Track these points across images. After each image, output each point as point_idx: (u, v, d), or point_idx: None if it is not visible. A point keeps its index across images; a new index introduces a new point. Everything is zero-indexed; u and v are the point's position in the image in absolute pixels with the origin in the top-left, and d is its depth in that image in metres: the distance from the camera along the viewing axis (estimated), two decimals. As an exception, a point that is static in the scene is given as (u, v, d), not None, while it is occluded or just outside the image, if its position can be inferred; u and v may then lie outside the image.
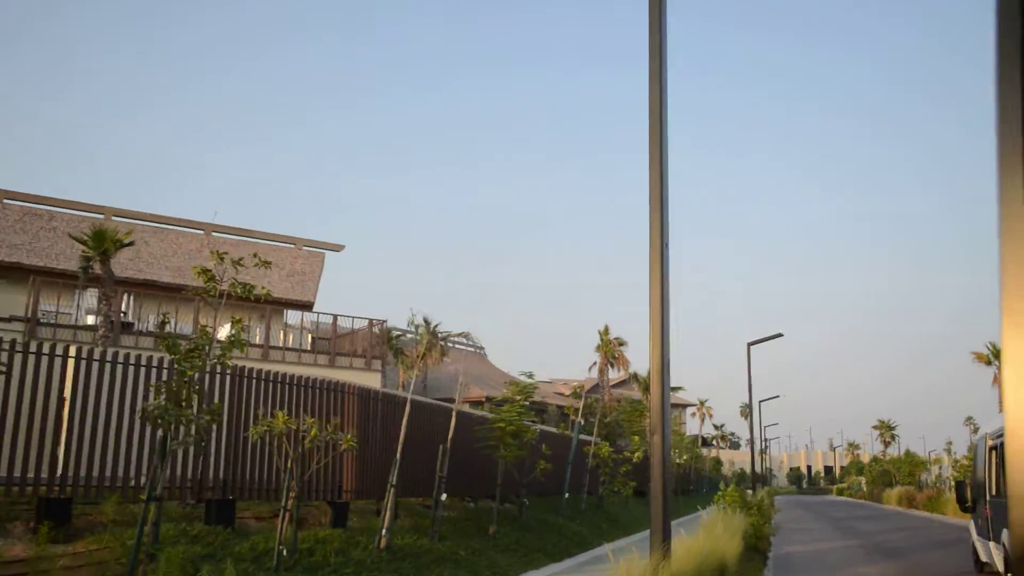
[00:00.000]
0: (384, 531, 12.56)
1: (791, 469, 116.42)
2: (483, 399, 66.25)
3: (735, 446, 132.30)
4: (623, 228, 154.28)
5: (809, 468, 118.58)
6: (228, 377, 12.45)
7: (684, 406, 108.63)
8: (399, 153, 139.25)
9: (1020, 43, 1.16)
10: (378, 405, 15.34)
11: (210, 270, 10.42)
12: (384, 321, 29.05)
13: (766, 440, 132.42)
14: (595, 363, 49.61)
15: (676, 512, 29.33)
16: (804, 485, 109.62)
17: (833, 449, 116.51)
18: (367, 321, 28.80)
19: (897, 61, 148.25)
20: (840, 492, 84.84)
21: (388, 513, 12.70)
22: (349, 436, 11.71)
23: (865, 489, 68.23)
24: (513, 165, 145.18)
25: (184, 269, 30.06)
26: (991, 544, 12.54)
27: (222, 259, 10.51)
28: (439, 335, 45.07)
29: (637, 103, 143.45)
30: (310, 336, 29.04)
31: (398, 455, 13.33)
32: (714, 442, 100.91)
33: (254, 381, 12.87)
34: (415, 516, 16.15)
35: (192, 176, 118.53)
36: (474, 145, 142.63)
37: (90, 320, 25.99)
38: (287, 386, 13.31)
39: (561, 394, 53.45)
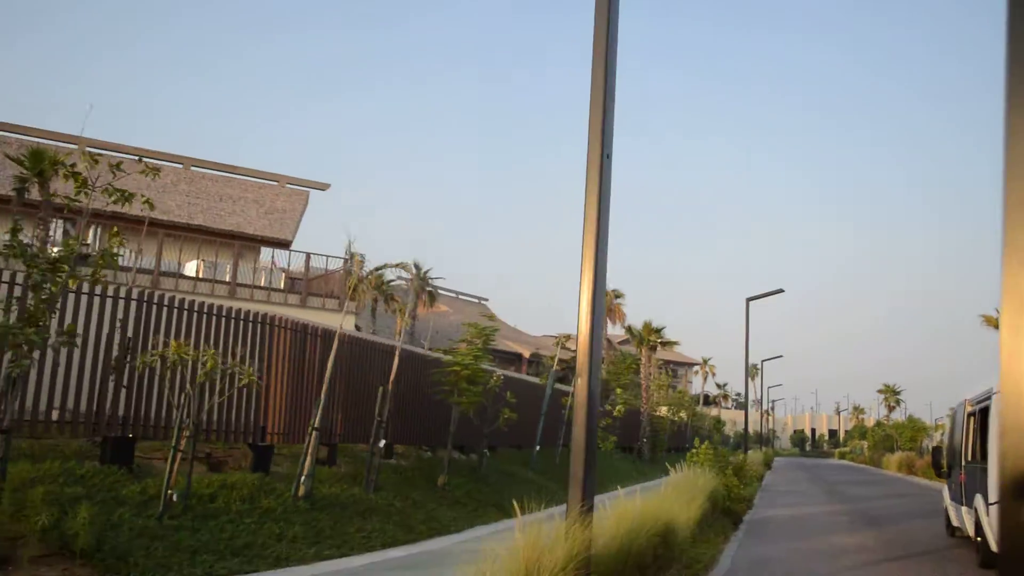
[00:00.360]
0: (303, 478, 11.41)
1: (795, 431, 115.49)
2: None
3: (742, 407, 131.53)
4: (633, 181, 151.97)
5: (813, 431, 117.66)
6: (133, 303, 11.20)
7: (688, 364, 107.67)
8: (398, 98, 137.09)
9: None
10: (316, 343, 14.11)
11: (80, 173, 9.07)
12: (363, 258, 27.83)
13: (772, 403, 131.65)
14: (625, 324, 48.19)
15: (651, 473, 28.32)
16: (807, 448, 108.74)
17: (839, 413, 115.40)
18: (342, 261, 27.59)
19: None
20: (842, 456, 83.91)
21: (308, 458, 11.52)
22: (250, 370, 10.49)
23: (866, 454, 67.15)
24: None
25: (155, 202, 28.84)
26: (963, 509, 12.54)
27: (96, 162, 9.15)
28: (428, 279, 44.26)
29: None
30: (283, 275, 27.85)
31: (322, 395, 12.12)
32: (717, 401, 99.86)
33: (165, 309, 11.62)
34: (360, 464, 15.04)
35: (181, 111, 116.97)
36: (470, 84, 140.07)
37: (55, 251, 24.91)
38: (204, 316, 12.05)
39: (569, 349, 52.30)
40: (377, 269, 24.35)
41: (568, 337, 29.88)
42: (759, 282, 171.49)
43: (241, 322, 12.59)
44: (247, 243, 28.36)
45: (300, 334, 13.62)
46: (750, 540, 14.21)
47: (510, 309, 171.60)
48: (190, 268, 26.27)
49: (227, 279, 26.21)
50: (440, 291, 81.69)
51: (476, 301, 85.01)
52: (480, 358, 15.92)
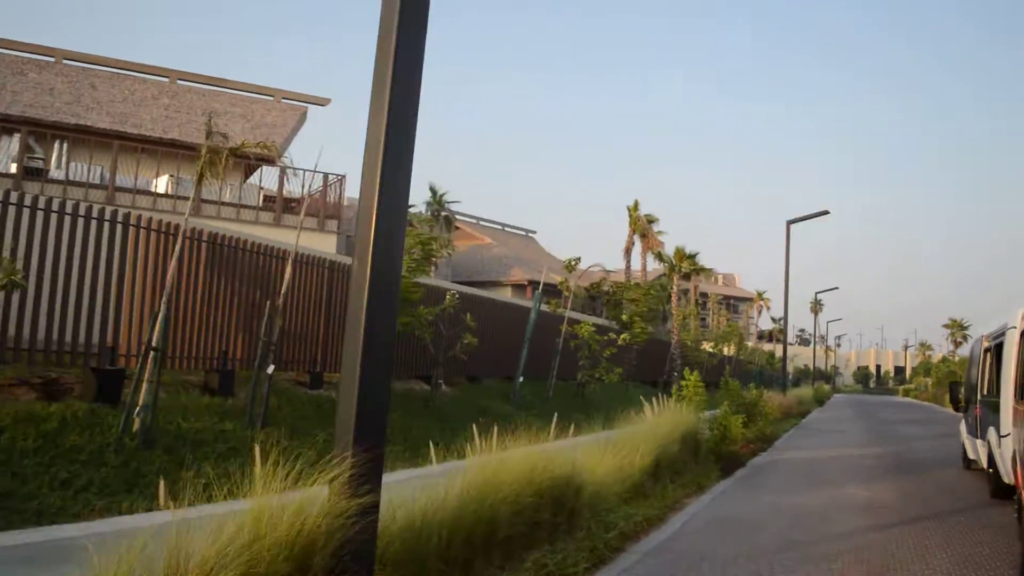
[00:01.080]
0: (138, 411, 9.04)
1: (859, 368, 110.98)
2: (526, 282, 62.80)
3: (804, 343, 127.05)
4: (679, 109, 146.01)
5: (878, 368, 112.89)
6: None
7: (744, 299, 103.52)
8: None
9: None
10: (200, 249, 11.68)
11: None
12: (343, 176, 25.25)
13: (838, 338, 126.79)
14: (633, 244, 44.96)
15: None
16: (871, 385, 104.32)
17: (906, 349, 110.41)
18: (323, 176, 25.07)
19: None
20: (906, 393, 79.77)
21: (144, 387, 9.13)
22: (9, 263, 8.05)
23: (930, 391, 63.17)
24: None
25: (128, 115, 26.68)
26: (978, 442, 12.89)
27: None
28: (445, 204, 41.57)
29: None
30: (261, 193, 25.50)
31: (160, 308, 9.66)
32: (774, 335, 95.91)
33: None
34: (278, 397, 12.71)
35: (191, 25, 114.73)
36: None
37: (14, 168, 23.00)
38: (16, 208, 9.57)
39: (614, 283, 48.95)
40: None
41: (578, 259, 26.95)
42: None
43: (80, 219, 10.15)
44: (237, 158, 26.00)
45: (166, 236, 11.14)
46: (735, 492, 11.47)
47: (563, 243, 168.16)
48: (161, 185, 24.09)
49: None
50: (483, 222, 79.46)
51: (523, 234, 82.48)
52: (417, 270, 13.29)
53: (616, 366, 22.05)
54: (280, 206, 24.21)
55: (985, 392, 12.37)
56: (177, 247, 10.16)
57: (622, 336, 22.07)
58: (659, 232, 45.20)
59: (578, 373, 22.02)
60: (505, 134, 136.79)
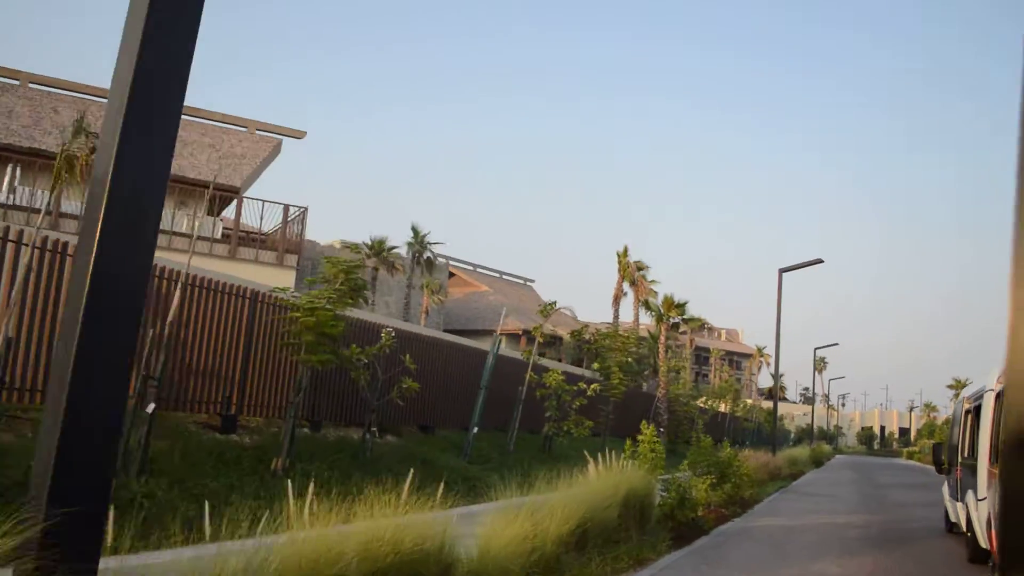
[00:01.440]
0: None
1: (862, 428, 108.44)
2: (520, 331, 61.19)
3: (809, 401, 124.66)
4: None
5: (883, 428, 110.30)
6: None
7: (746, 355, 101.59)
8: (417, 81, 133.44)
9: None
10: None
11: None
12: (304, 208, 23.98)
13: (842, 397, 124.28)
14: (624, 293, 43.51)
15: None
16: (875, 446, 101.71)
17: (910, 410, 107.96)
18: (283, 208, 23.81)
19: None
20: (910, 456, 77.36)
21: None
22: None
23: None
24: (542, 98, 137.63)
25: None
26: (958, 505, 12.66)
27: None
28: (428, 245, 40.24)
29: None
30: (219, 225, 24.26)
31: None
32: (771, 393, 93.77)
33: None
34: (187, 440, 11.24)
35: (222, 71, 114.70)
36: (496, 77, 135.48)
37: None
38: None
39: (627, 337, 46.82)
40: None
41: (553, 304, 25.51)
42: (827, 272, 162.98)
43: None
44: (187, 188, 24.84)
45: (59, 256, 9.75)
46: (681, 569, 9.86)
47: (562, 293, 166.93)
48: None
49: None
50: (481, 270, 78.10)
51: (521, 282, 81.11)
52: (339, 303, 11.87)
53: (586, 419, 20.46)
54: (235, 239, 22.91)
55: (965, 454, 12.35)
56: (23, 260, 8.77)
57: (592, 386, 20.50)
58: (652, 281, 43.79)
59: (544, 425, 20.46)
60: (503, 183, 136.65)
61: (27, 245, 9.31)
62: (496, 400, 20.53)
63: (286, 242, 23.50)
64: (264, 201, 23.98)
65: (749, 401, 75.06)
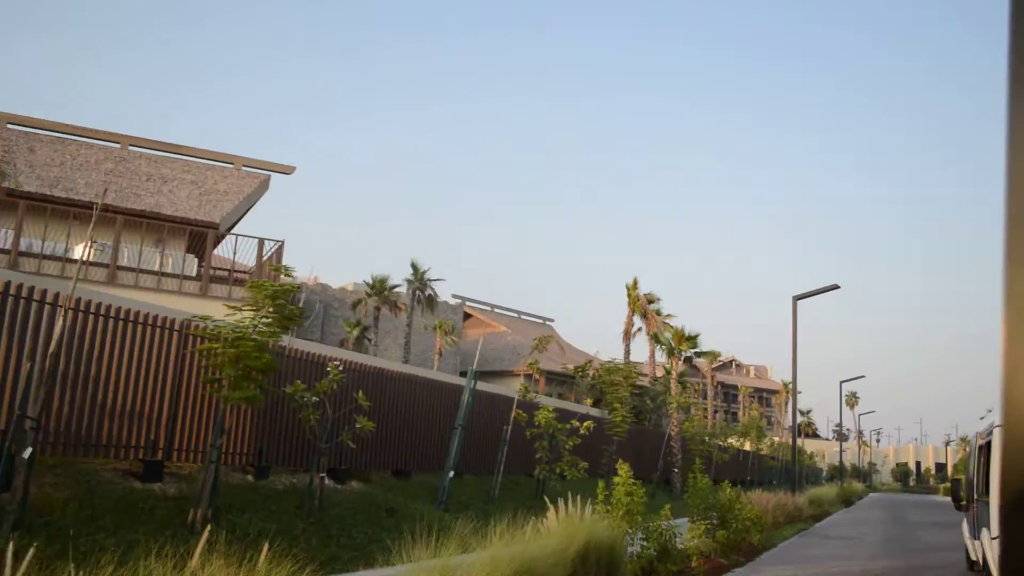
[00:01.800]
0: None
1: (897, 464, 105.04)
2: (537, 372, 59.59)
3: (843, 437, 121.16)
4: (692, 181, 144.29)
5: (918, 464, 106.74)
6: None
7: (773, 391, 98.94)
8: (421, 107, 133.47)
9: None
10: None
11: None
12: (280, 243, 22.82)
13: (876, 432, 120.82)
14: (637, 329, 41.77)
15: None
16: (911, 482, 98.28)
17: (947, 444, 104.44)
18: (258, 242, 22.64)
19: None
20: (946, 492, 74.27)
21: None
22: None
23: (970, 490, 58.14)
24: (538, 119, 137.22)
25: (61, 179, 24.68)
26: (976, 543, 12.47)
27: None
28: (428, 282, 39.01)
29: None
30: (195, 262, 23.15)
31: None
32: (801, 429, 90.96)
33: None
34: (93, 489, 9.92)
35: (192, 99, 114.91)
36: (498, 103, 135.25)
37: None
38: None
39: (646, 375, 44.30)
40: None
41: (550, 336, 24.01)
42: (855, 303, 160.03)
43: None
44: (164, 225, 23.83)
45: None
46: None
47: (583, 331, 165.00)
48: (79, 250, 21.90)
49: (128, 263, 21.70)
50: (499, 311, 76.72)
51: (541, 321, 79.67)
52: (268, 334, 10.54)
53: (582, 460, 18.88)
54: (206, 276, 21.76)
55: (981, 490, 12.13)
56: None
57: (585, 424, 18.93)
58: (668, 316, 42.01)
59: (536, 468, 18.91)
60: (520, 219, 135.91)
61: None
62: (483, 441, 19.07)
63: (263, 278, 22.32)
64: (238, 235, 22.88)
65: (776, 439, 72.70)
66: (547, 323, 79.75)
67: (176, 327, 11.56)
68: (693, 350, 33.00)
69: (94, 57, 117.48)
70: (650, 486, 28.87)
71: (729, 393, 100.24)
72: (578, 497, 11.87)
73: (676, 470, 31.24)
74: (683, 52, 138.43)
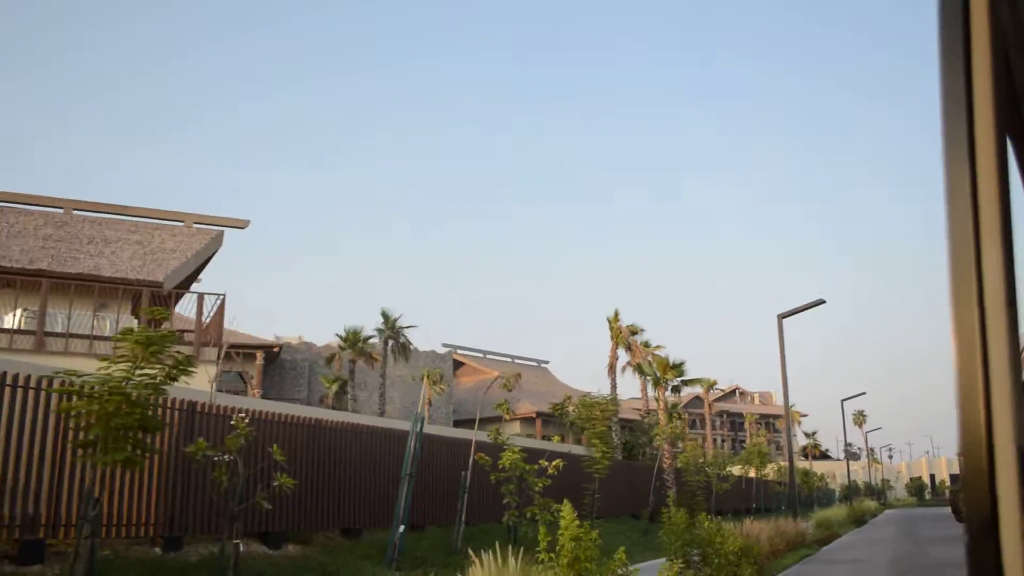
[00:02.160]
0: None
1: (911, 479, 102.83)
2: (534, 415, 57.99)
3: (853, 456, 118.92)
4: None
5: (932, 477, 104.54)
6: None
7: (778, 416, 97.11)
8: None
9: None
10: None
11: None
12: (222, 296, 21.61)
13: (888, 449, 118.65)
14: (627, 364, 40.26)
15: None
16: (926, 496, 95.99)
17: (959, 454, 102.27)
18: (198, 298, 21.42)
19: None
20: (962, 504, 72.03)
21: None
22: None
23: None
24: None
25: (-4, 247, 23.57)
26: None
27: None
28: (400, 330, 37.74)
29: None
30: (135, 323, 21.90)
31: None
32: (807, 452, 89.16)
33: None
34: None
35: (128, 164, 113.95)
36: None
37: None
38: None
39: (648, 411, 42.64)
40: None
41: (518, 374, 22.68)
42: (862, 323, 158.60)
43: None
44: (105, 286, 22.65)
45: None
46: None
47: (577, 374, 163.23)
48: (12, 319, 20.69)
49: (60, 330, 20.46)
50: (492, 356, 75.27)
51: (536, 364, 78.18)
52: (149, 387, 9.22)
53: (554, 502, 17.43)
54: None
55: None
56: None
57: (553, 463, 17.52)
58: (657, 347, 40.58)
59: (504, 514, 17.46)
60: (511, 267, 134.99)
61: None
62: (445, 490, 17.69)
63: (206, 334, 21.06)
64: (175, 291, 21.66)
65: (782, 463, 70.86)
66: (542, 366, 78.30)
67: (33, 385, 10.27)
68: (679, 379, 31.61)
69: (43, 117, 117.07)
70: (642, 522, 27.34)
71: (735, 421, 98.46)
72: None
73: (670, 505, 29.66)
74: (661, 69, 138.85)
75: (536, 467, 17.59)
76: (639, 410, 37.60)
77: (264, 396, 41.37)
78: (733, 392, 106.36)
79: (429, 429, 19.63)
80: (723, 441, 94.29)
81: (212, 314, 21.57)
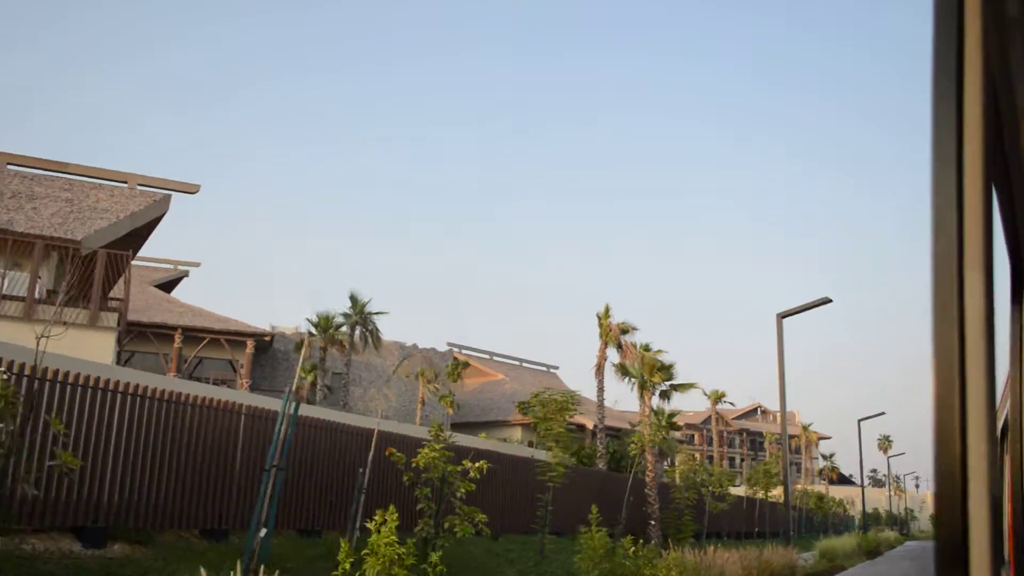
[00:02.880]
0: None
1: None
2: (532, 421, 55.09)
3: (878, 484, 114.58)
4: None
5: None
6: None
7: (793, 437, 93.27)
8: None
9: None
10: None
11: None
12: (127, 253, 19.07)
13: (915, 478, 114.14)
14: (614, 362, 36.96)
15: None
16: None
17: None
18: (100, 254, 18.88)
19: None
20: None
21: None
22: None
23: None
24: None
25: None
26: None
27: None
28: (369, 316, 35.01)
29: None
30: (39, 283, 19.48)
31: None
32: (823, 474, 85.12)
33: None
34: None
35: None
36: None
37: None
38: None
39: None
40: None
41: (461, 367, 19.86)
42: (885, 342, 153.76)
43: None
44: (20, 244, 20.30)
45: None
46: None
47: (587, 381, 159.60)
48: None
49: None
50: (499, 359, 72.55)
51: (544, 369, 75.38)
52: None
53: (479, 511, 14.60)
54: (31, 295, 18.01)
55: None
56: None
57: (476, 464, 14.64)
58: (658, 352, 37.38)
59: (418, 523, 14.64)
60: (519, 270, 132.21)
61: None
62: (343, 489, 14.99)
63: (105, 300, 18.55)
64: (73, 247, 19.14)
65: (799, 485, 67.24)
66: (551, 370, 75.50)
67: None
68: (668, 382, 28.53)
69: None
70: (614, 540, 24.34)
71: (756, 441, 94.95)
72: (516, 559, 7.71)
73: (653, 522, 26.67)
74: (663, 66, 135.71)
75: (458, 468, 14.77)
76: (632, 424, 34.63)
77: (253, 387, 38.94)
78: (755, 410, 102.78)
79: (385, 426, 17.12)
80: (742, 460, 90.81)
81: (98, 277, 18.95)
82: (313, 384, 35.23)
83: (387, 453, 14.91)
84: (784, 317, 24.98)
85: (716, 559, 15.41)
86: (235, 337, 38.19)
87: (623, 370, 28.50)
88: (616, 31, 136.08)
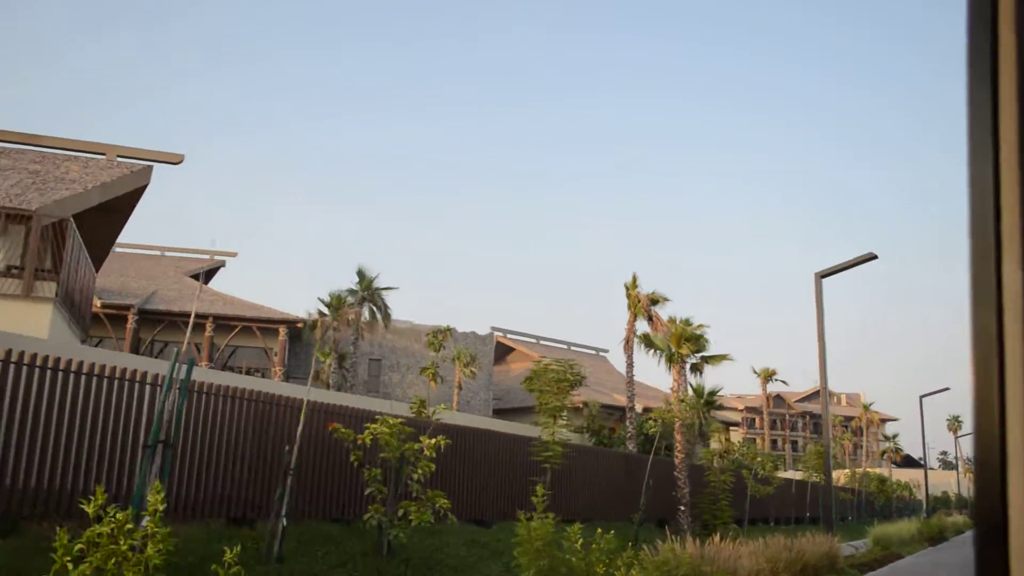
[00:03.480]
0: None
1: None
2: (581, 405, 52.78)
3: (948, 466, 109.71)
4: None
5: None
6: None
7: (884, 420, 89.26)
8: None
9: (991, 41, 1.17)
10: None
11: None
12: (65, 220, 17.30)
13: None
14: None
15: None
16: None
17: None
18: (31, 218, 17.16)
19: None
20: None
21: None
22: None
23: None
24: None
25: None
26: None
27: None
28: (377, 291, 32.97)
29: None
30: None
31: None
32: (884, 457, 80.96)
33: None
34: None
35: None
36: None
37: None
38: None
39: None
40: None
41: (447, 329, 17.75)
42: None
43: None
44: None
45: None
46: None
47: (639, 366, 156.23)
48: None
49: None
50: (545, 342, 70.43)
51: (594, 353, 72.87)
52: None
53: (442, 496, 12.47)
54: (29, 273, 16.36)
55: None
56: None
57: (433, 440, 12.48)
58: (699, 326, 34.73)
59: (368, 509, 12.57)
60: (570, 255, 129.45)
61: None
62: (315, 474, 12.98)
63: (39, 269, 16.78)
64: (7, 210, 17.41)
65: (859, 469, 63.72)
66: (600, 354, 73.01)
67: None
68: (698, 354, 25.96)
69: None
70: (632, 527, 21.91)
71: (819, 423, 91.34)
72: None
73: (682, 507, 24.23)
74: (677, 50, 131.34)
75: (416, 446, 12.65)
76: (668, 402, 32.08)
77: (288, 375, 37.55)
78: (818, 392, 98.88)
79: (344, 400, 15.06)
80: (805, 444, 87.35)
81: (33, 244, 17.17)
82: (340, 367, 33.50)
83: (329, 428, 12.90)
84: (824, 277, 22.30)
85: (723, 550, 12.97)
86: (267, 324, 36.99)
87: (649, 342, 26.01)
88: (646, 14, 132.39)
